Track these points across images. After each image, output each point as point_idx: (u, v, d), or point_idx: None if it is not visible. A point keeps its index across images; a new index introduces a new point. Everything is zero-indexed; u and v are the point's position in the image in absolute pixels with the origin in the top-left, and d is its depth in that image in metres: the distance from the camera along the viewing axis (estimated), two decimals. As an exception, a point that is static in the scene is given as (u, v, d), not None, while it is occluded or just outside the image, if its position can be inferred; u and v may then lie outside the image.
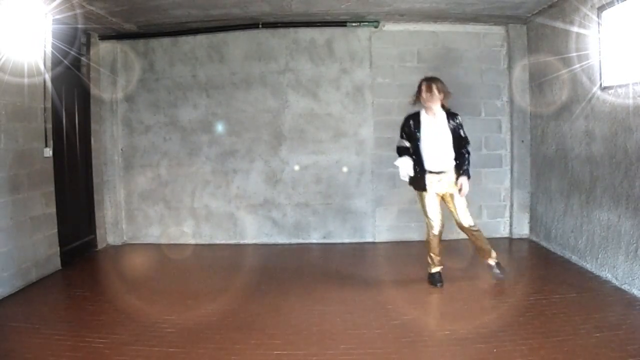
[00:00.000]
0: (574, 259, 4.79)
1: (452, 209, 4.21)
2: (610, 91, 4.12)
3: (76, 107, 5.57)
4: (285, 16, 5.56)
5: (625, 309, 3.58)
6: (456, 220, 4.23)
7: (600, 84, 4.25)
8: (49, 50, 4.68)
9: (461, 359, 2.91)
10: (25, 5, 4.15)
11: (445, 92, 4.13)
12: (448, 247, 5.56)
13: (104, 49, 5.99)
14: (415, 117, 4.20)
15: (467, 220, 4.19)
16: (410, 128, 4.20)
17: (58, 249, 4.87)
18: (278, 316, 3.63)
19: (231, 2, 4.95)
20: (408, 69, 5.92)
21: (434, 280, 4.27)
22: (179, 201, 6.12)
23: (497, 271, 4.34)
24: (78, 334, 3.32)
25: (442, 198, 4.22)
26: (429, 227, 4.21)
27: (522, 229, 5.94)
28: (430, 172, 4.13)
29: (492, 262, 4.35)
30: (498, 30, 5.92)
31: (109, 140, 6.07)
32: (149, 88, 6.10)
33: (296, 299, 3.99)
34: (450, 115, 4.18)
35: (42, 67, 4.48)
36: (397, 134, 6.00)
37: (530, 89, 5.76)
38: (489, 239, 6.20)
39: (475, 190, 6.01)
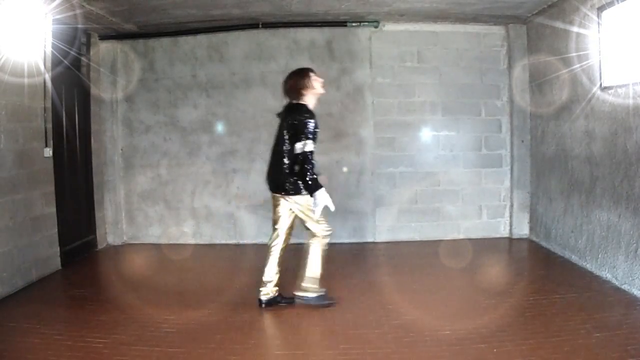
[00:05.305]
0: (574, 259, 4.79)
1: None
2: (610, 91, 4.12)
3: (76, 107, 5.56)
4: (285, 16, 5.55)
5: (625, 309, 3.58)
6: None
7: (600, 84, 4.25)
8: (49, 50, 4.67)
9: (461, 359, 2.91)
10: (25, 5, 4.15)
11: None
12: (447, 247, 5.60)
13: (104, 49, 5.99)
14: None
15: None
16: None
17: (58, 249, 4.87)
18: (278, 316, 3.63)
19: (231, 2, 4.95)
20: (408, 69, 5.93)
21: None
22: (179, 201, 6.12)
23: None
24: (78, 334, 3.32)
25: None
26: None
27: (522, 229, 5.94)
28: None
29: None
30: (498, 30, 5.92)
31: (109, 140, 6.07)
32: (149, 88, 6.09)
33: (296, 299, 3.99)
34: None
35: (42, 67, 4.48)
36: (397, 134, 6.06)
37: (530, 89, 5.76)
38: (489, 239, 6.21)
39: (475, 190, 6.06)
